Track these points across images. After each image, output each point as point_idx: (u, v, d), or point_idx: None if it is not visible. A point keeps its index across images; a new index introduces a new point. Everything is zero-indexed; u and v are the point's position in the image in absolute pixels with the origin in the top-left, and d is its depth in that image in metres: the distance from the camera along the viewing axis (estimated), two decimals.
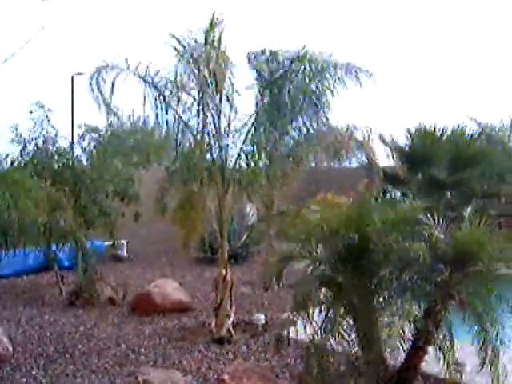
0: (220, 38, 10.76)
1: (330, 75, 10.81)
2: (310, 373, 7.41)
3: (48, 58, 29.82)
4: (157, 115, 10.97)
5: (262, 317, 11.34)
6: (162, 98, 10.88)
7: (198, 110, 10.94)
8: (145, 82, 10.84)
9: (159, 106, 10.88)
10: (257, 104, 11.04)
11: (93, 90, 10.77)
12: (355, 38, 31.46)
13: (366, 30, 34.24)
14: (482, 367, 7.04)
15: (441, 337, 7.34)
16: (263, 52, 11.17)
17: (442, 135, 19.90)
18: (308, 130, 11.21)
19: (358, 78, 10.68)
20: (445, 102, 34.23)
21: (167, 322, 12.17)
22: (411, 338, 7.54)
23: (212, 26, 10.72)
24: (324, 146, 11.43)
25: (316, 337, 7.31)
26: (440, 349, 7.42)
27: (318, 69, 10.89)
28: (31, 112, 16.14)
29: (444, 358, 7.36)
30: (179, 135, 11.09)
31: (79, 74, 24.75)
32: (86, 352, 10.36)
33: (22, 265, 17.17)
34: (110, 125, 20.18)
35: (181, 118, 10.98)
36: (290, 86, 10.95)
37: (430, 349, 7.57)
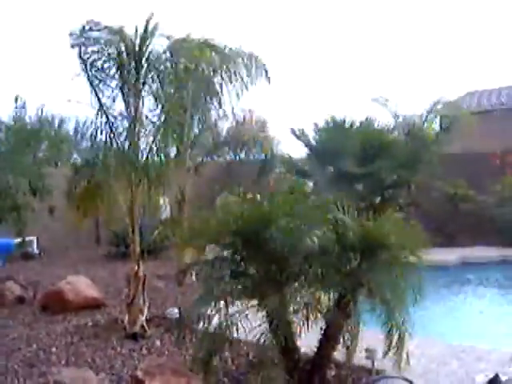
0: None
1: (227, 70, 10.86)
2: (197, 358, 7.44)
3: None
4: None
5: (176, 311, 11.28)
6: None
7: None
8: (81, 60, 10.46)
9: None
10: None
11: None
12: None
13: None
14: (387, 353, 7.24)
15: (351, 325, 7.48)
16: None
17: (351, 127, 20.21)
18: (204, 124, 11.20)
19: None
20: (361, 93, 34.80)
21: (80, 320, 11.96)
22: (323, 328, 7.66)
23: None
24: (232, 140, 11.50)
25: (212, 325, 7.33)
26: (351, 337, 7.57)
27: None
28: None
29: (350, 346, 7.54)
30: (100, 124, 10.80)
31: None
32: None
33: None
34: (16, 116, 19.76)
35: (101, 107, 10.70)
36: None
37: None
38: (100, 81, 10.68)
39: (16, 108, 19.60)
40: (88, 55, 10.51)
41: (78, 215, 12.16)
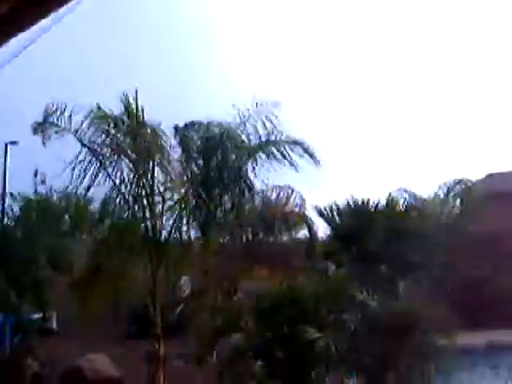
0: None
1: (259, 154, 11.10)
2: None
3: None
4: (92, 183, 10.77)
5: None
6: (99, 163, 10.71)
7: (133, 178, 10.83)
8: (83, 145, 10.67)
9: (95, 171, 10.69)
10: (186, 176, 11.07)
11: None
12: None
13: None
14: None
15: None
16: (192, 124, 11.38)
17: (375, 209, 20.03)
18: (239, 203, 11.33)
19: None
20: (374, 172, 34.63)
21: None
22: None
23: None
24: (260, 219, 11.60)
25: None
26: None
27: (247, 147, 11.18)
28: None
29: None
30: (114, 204, 10.91)
31: (13, 142, 24.26)
32: None
33: None
34: (36, 192, 19.86)
35: (115, 185, 10.80)
36: (217, 161, 11.15)
37: None
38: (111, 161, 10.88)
39: (36, 183, 19.76)
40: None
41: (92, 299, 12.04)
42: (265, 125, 11.28)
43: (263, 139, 11.41)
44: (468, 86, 36.71)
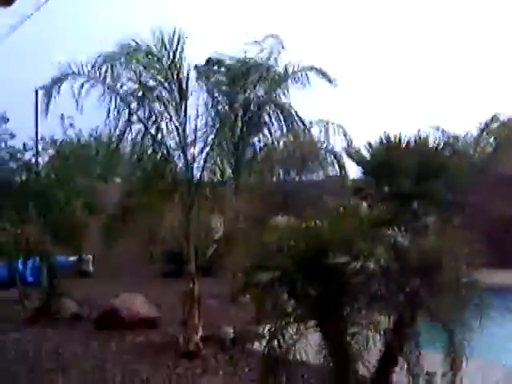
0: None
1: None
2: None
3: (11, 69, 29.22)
4: (124, 129, 10.79)
5: (231, 330, 11.24)
6: (128, 106, 10.72)
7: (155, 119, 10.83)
8: (113, 91, 10.68)
9: (125, 117, 10.70)
10: (214, 116, 11.06)
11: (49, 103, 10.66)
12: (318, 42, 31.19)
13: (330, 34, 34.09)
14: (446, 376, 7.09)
15: (410, 347, 7.32)
16: (213, 61, 11.33)
17: (406, 146, 19.94)
18: (273, 141, 11.33)
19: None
20: (407, 110, 34.19)
21: (134, 338, 11.99)
22: (382, 349, 7.52)
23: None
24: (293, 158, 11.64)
25: (277, 347, 7.21)
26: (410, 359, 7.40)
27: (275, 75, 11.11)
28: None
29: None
30: (145, 147, 10.97)
31: (43, 87, 24.38)
32: (52, 370, 10.12)
33: None
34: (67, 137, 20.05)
35: (147, 128, 10.84)
36: (244, 95, 11.12)
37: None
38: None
39: (64, 127, 19.97)
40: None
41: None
42: (276, 60, 11.27)
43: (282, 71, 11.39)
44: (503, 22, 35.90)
